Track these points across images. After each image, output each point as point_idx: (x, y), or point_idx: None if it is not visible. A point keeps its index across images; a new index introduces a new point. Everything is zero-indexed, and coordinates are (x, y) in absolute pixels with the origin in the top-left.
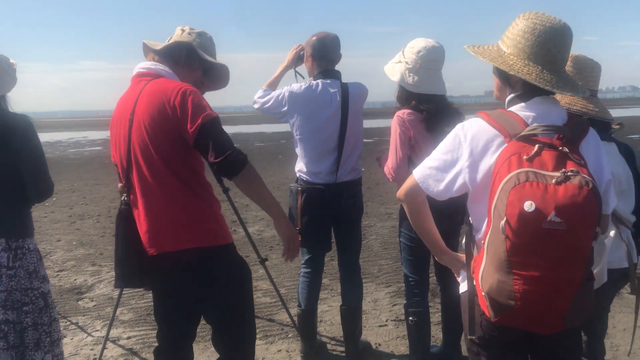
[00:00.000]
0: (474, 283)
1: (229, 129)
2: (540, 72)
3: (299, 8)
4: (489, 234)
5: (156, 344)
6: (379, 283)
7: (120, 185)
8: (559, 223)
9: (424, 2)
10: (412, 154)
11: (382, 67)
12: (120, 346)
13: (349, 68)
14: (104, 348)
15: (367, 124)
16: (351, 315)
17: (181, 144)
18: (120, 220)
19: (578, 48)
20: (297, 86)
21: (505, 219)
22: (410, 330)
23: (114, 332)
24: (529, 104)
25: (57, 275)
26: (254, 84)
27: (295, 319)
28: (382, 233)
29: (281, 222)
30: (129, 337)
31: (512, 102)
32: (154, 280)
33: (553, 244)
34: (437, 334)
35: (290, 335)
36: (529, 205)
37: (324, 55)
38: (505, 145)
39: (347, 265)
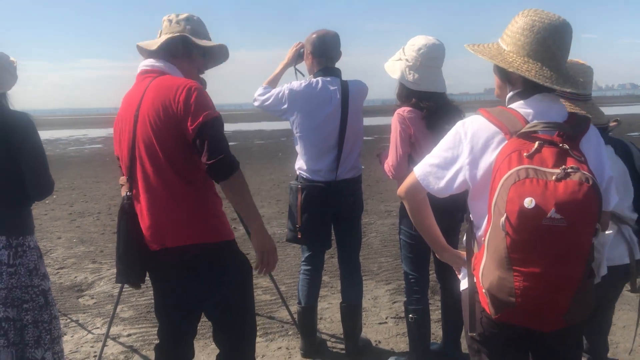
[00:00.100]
0: (475, 280)
1: (229, 127)
2: (539, 69)
3: (299, 5)
4: (490, 230)
5: (157, 341)
6: (378, 280)
7: (122, 178)
8: (559, 220)
9: None
10: (412, 151)
11: (383, 65)
12: (120, 343)
13: (349, 66)
14: (104, 345)
15: (367, 121)
16: (351, 312)
17: (184, 141)
18: (123, 215)
19: (578, 46)
20: (297, 84)
21: (505, 215)
22: (410, 328)
23: (114, 330)
24: (529, 101)
25: (58, 272)
26: (254, 81)
27: (295, 316)
28: (382, 230)
29: (261, 234)
30: (129, 335)
31: (513, 99)
32: (155, 277)
33: (553, 241)
34: (437, 332)
35: (290, 333)
36: (529, 202)
37: (324, 52)
38: (506, 142)
39: (347, 262)
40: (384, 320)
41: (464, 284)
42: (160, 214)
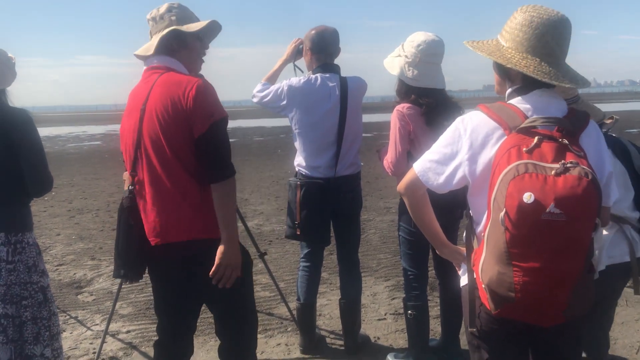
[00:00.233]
0: (474, 276)
1: (228, 124)
2: (538, 65)
3: (298, 2)
4: (489, 226)
5: (156, 338)
6: (377, 277)
7: (125, 174)
8: (558, 214)
9: None
10: (411, 148)
11: (382, 61)
12: (119, 340)
13: (348, 62)
14: (103, 342)
15: (366, 118)
16: (350, 309)
17: (191, 136)
18: (124, 209)
19: (577, 42)
20: (296, 80)
21: (504, 210)
22: (409, 324)
23: (113, 326)
24: (528, 96)
25: (57, 269)
26: (253, 78)
27: (294, 312)
28: (381, 227)
29: (233, 244)
30: (128, 331)
31: (512, 95)
32: (155, 273)
33: (552, 236)
34: (435, 328)
35: (289, 329)
36: (528, 197)
37: (323, 48)
38: (505, 137)
39: (346, 259)
40: (383, 316)
41: (463, 280)
42: (165, 208)
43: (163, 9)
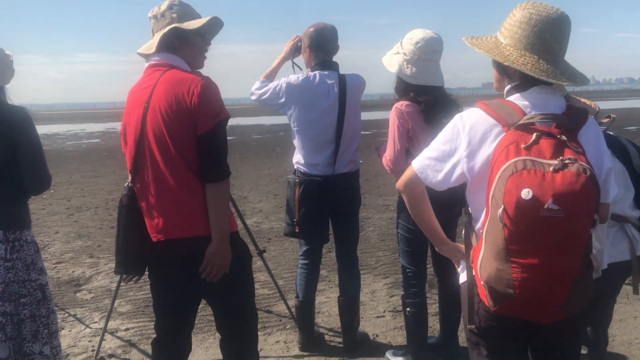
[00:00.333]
0: (473, 273)
1: None
2: (536, 62)
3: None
4: (487, 222)
5: (154, 335)
6: (376, 274)
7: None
8: (556, 210)
9: None
10: (410, 145)
11: (380, 59)
12: (118, 338)
13: (347, 60)
14: (102, 340)
15: (365, 115)
16: (349, 306)
17: (195, 134)
18: (124, 206)
19: (576, 40)
20: (295, 77)
21: (502, 207)
22: (407, 321)
23: (112, 324)
24: (527, 93)
25: (55, 267)
26: (252, 75)
27: (293, 310)
28: (380, 225)
29: (225, 244)
30: (127, 329)
31: (511, 92)
32: (155, 269)
33: (551, 232)
34: (434, 325)
35: (288, 327)
36: (526, 193)
37: (321, 46)
38: (504, 134)
39: (345, 256)
40: (381, 313)
41: (462, 277)
42: (168, 205)
43: (164, 6)
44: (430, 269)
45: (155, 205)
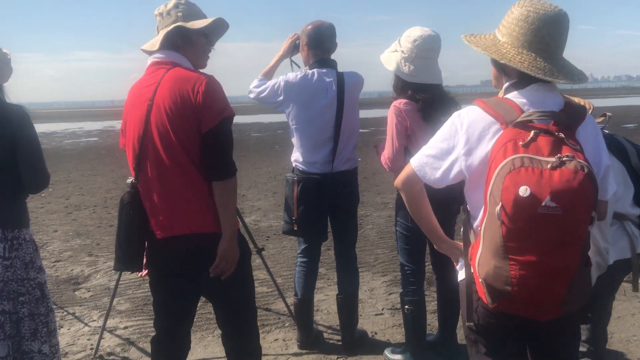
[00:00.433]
0: (472, 270)
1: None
2: (533, 60)
3: None
4: (485, 220)
5: (153, 334)
6: (375, 272)
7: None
8: (554, 208)
9: None
10: (408, 143)
11: (379, 57)
12: (117, 336)
13: (345, 57)
14: (100, 338)
15: (364, 114)
16: (347, 304)
17: (198, 131)
18: (125, 203)
19: (574, 37)
20: (293, 75)
21: (500, 204)
22: (406, 319)
23: (110, 322)
24: (525, 90)
25: (54, 265)
26: (250, 73)
27: (292, 308)
28: (379, 222)
29: (233, 241)
30: (126, 327)
31: (509, 89)
32: (155, 267)
33: (548, 229)
34: (432, 323)
35: (286, 325)
36: (524, 191)
37: (319, 44)
38: (502, 132)
39: (344, 254)
40: (380, 311)
41: (461, 275)
42: (172, 201)
43: (171, 4)
44: (428, 267)
45: (159, 202)
